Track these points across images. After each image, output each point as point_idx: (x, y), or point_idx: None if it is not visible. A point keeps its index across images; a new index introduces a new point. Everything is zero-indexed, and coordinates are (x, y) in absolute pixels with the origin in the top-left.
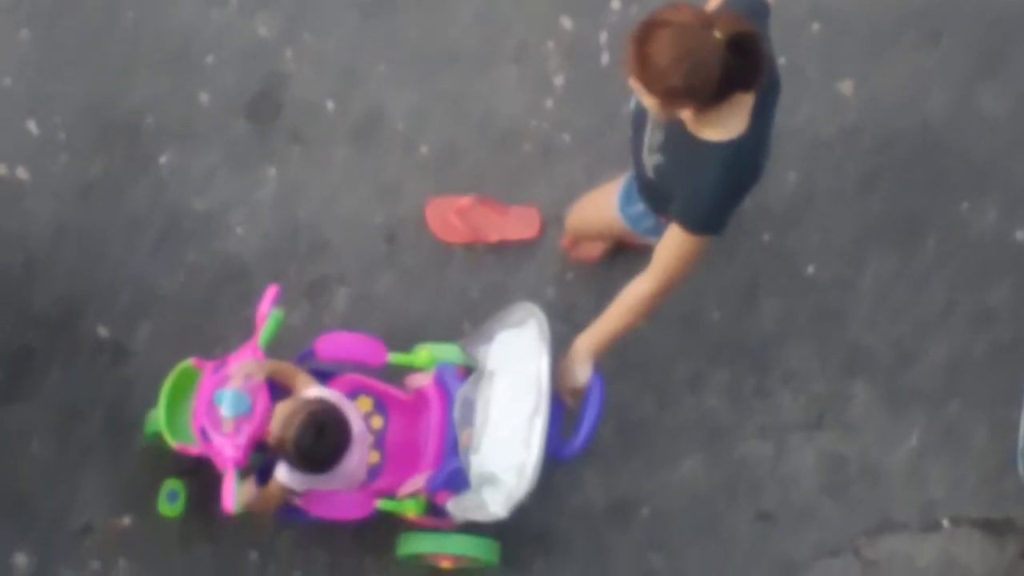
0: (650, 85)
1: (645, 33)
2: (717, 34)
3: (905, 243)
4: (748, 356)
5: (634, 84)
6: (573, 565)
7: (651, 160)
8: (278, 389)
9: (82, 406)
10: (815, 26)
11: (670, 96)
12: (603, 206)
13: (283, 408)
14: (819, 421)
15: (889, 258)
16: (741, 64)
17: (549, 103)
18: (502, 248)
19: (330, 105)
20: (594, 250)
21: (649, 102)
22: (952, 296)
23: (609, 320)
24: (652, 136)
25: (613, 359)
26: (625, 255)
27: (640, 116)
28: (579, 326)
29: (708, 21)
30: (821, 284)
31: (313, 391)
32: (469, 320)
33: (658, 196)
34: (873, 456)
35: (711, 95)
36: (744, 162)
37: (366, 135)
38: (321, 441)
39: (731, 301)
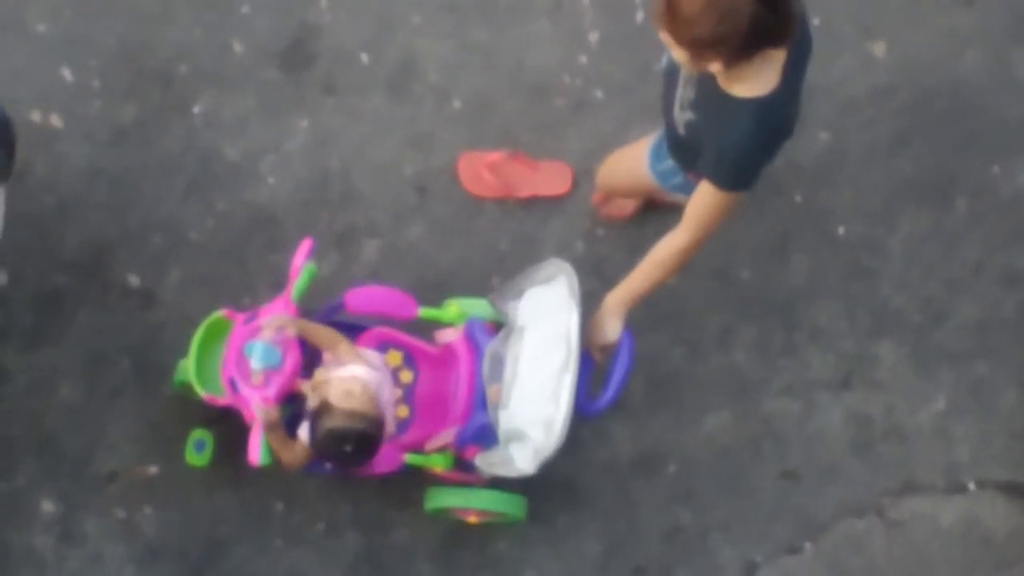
0: (679, 35)
1: None
2: None
3: (936, 203)
4: (777, 313)
5: (664, 37)
6: (598, 519)
7: (682, 117)
8: (311, 344)
9: (110, 351)
10: None
11: (698, 47)
12: (633, 162)
13: (322, 376)
14: (846, 380)
15: (920, 218)
16: (771, 17)
17: (583, 59)
18: (533, 203)
19: (364, 56)
20: (625, 207)
21: (679, 55)
22: (982, 257)
23: (640, 276)
24: (684, 93)
25: (643, 311)
26: (655, 212)
27: (672, 73)
28: (609, 281)
29: None
30: (852, 243)
31: (355, 368)
32: (499, 274)
33: (688, 153)
34: (899, 416)
35: (739, 47)
36: (775, 119)
37: (399, 87)
38: (345, 454)
39: (762, 258)
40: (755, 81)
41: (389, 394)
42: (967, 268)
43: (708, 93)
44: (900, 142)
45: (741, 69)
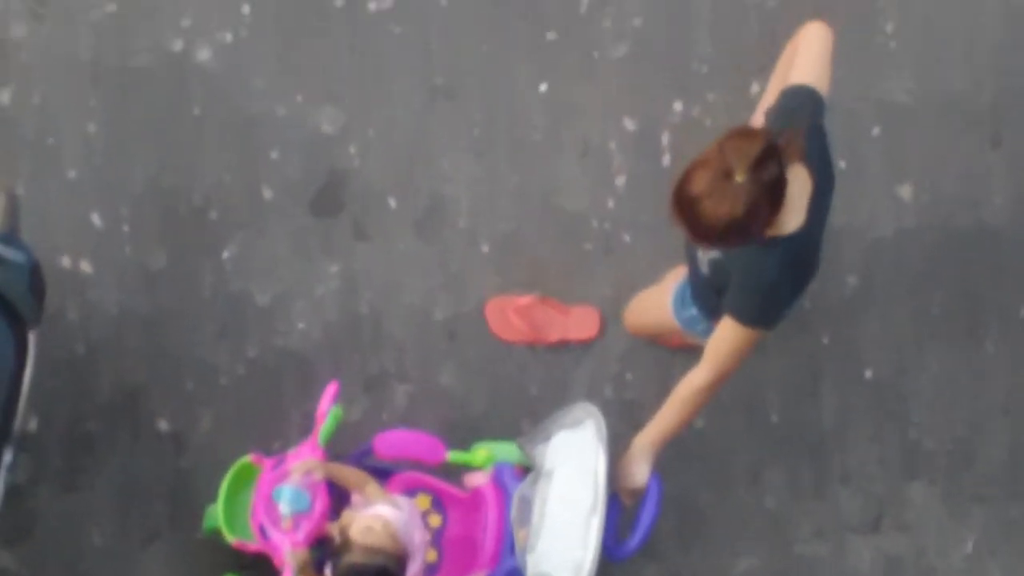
0: (721, 247)
1: (687, 212)
2: (739, 178)
3: (964, 344)
4: (807, 454)
5: None
6: None
7: (707, 255)
8: (338, 487)
9: (142, 496)
10: (876, 130)
11: (739, 244)
12: (657, 310)
13: (348, 517)
14: (876, 522)
15: (948, 358)
16: (773, 171)
17: (610, 203)
18: (562, 347)
19: (392, 202)
20: None
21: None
22: (1010, 397)
23: (665, 416)
24: None
25: (672, 452)
26: (684, 355)
27: None
28: (637, 425)
29: (726, 170)
30: (880, 384)
31: (380, 507)
32: (528, 418)
33: (711, 294)
34: (930, 559)
35: (772, 213)
36: (801, 257)
37: (428, 232)
38: None
39: (791, 399)
40: (783, 219)
41: (420, 538)
42: (996, 408)
43: None
44: (927, 283)
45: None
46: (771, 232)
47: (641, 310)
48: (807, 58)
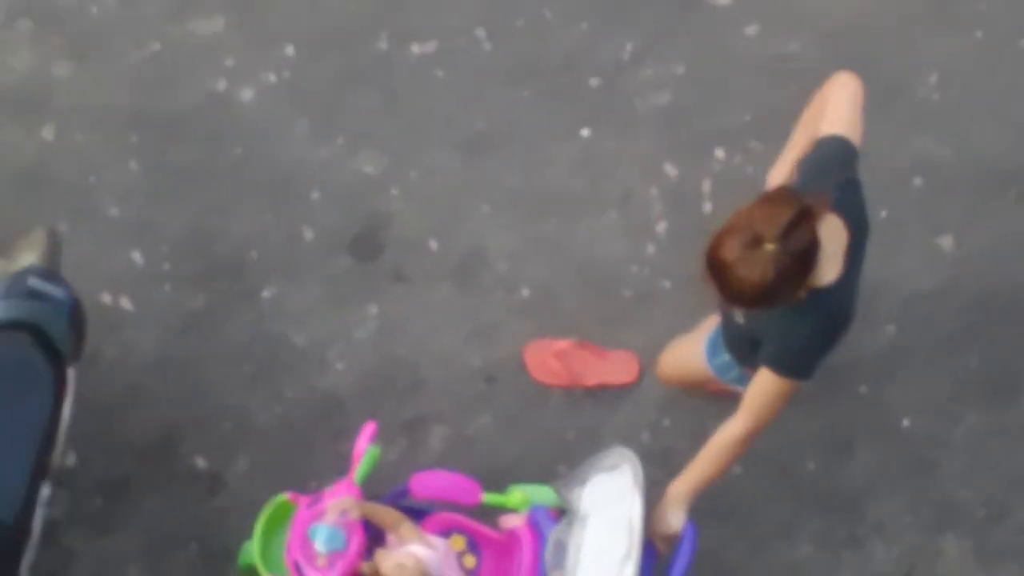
0: (757, 309)
1: (718, 277)
2: (768, 246)
3: (1000, 400)
4: (841, 505)
5: None
6: None
7: None
8: (373, 526)
9: (177, 536)
10: (917, 180)
11: (770, 307)
12: (690, 356)
13: (382, 556)
14: (909, 574)
15: (984, 414)
16: (804, 237)
17: (651, 249)
18: (599, 391)
19: (433, 245)
20: None
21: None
22: None
23: (701, 464)
24: None
25: (706, 503)
26: (720, 402)
27: None
28: (674, 471)
29: (755, 238)
30: (916, 437)
31: (414, 547)
32: (564, 462)
33: (745, 344)
34: None
35: (804, 278)
36: (837, 308)
37: (468, 276)
38: None
39: (826, 450)
40: (819, 272)
41: None
42: None
43: None
44: (965, 335)
45: None
46: (811, 284)
47: (673, 359)
48: (838, 108)
